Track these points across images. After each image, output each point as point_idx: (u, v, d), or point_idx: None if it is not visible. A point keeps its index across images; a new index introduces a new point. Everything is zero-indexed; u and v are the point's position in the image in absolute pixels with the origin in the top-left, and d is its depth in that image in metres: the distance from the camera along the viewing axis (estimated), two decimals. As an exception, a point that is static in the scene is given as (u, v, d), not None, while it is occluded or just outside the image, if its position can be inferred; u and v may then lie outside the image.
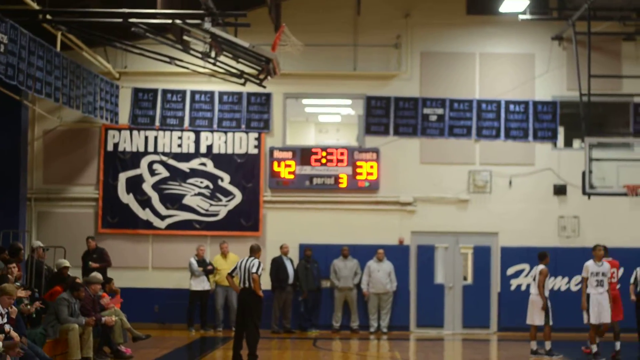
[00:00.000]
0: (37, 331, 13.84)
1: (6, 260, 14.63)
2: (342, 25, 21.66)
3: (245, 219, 21.43)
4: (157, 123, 21.52)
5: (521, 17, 20.91)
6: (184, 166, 21.54)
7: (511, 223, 21.38)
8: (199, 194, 21.47)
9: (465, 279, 21.70)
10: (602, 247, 16.74)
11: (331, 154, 21.46)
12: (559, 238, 21.35)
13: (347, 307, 21.15)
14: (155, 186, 21.49)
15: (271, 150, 21.52)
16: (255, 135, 21.58)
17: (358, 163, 21.42)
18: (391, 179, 21.51)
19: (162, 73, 21.20)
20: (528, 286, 18.11)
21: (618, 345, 16.57)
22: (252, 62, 17.55)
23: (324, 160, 21.42)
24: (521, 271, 21.22)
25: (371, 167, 21.39)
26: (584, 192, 18.94)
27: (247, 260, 15.28)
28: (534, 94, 21.60)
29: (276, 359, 16.98)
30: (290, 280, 20.69)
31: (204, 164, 21.54)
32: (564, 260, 20.80)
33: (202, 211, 21.43)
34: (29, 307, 13.62)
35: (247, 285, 15.16)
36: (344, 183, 21.38)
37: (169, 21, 15.95)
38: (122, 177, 21.50)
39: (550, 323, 16.82)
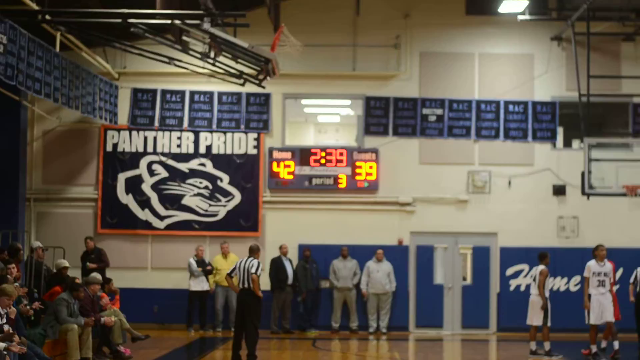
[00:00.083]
0: (37, 331, 13.84)
1: (5, 261, 14.62)
2: (341, 25, 21.66)
3: (245, 219, 21.43)
4: (157, 123, 21.52)
5: (520, 17, 20.92)
6: (183, 166, 21.54)
7: (510, 223, 21.38)
8: (198, 194, 21.47)
9: (464, 279, 21.70)
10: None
11: (330, 154, 21.46)
12: (558, 238, 21.36)
13: (347, 308, 21.15)
14: (154, 186, 21.49)
15: (270, 150, 21.52)
16: (255, 135, 21.58)
17: (357, 163, 21.42)
18: (390, 179, 21.51)
19: (161, 73, 21.20)
20: (527, 286, 18.12)
21: (616, 344, 16.57)
22: (252, 62, 17.56)
23: (323, 161, 21.42)
24: (520, 271, 21.22)
25: (370, 167, 21.39)
26: (583, 193, 18.95)
27: (247, 260, 15.28)
28: (533, 95, 21.60)
29: (275, 359, 16.97)
30: (290, 280, 20.69)
31: (203, 165, 21.54)
32: (563, 260, 20.79)
33: (202, 211, 21.43)
34: (28, 307, 13.62)
35: (246, 285, 15.16)
36: (343, 183, 21.38)
37: (168, 21, 15.94)
38: (122, 177, 21.50)
39: (549, 324, 16.82)
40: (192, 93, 21.55)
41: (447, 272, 21.55)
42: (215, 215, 21.44)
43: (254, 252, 15.43)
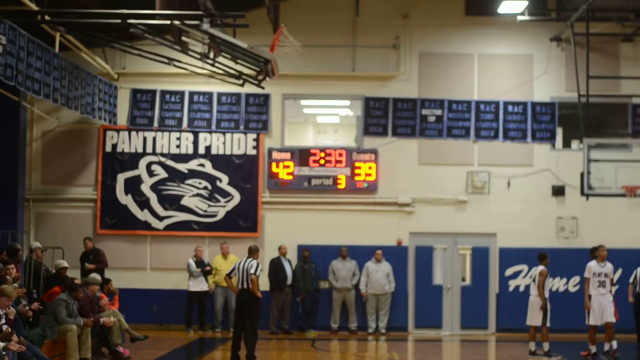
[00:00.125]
0: (36, 332, 13.83)
1: (4, 261, 14.62)
2: (340, 26, 21.66)
3: (244, 219, 21.43)
4: (156, 124, 21.52)
5: (520, 18, 20.92)
6: (183, 167, 21.53)
7: (509, 224, 21.38)
8: (198, 194, 21.47)
9: (463, 280, 21.69)
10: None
11: (330, 154, 21.47)
12: (557, 239, 21.36)
13: (346, 308, 21.15)
14: (153, 187, 21.49)
15: (270, 151, 21.52)
16: (254, 136, 21.58)
17: (356, 164, 21.42)
18: (390, 180, 21.51)
19: (161, 74, 21.20)
20: (526, 287, 18.13)
21: (615, 344, 16.56)
22: (251, 63, 17.56)
23: (322, 161, 21.43)
24: (519, 272, 21.22)
25: (370, 168, 21.39)
26: (582, 193, 18.95)
27: (246, 261, 15.29)
28: (532, 95, 21.61)
29: (274, 359, 16.96)
30: (289, 281, 20.69)
31: (202, 165, 21.54)
32: (562, 261, 20.78)
33: (201, 212, 21.43)
34: (26, 308, 13.61)
35: (245, 286, 15.17)
36: (342, 184, 21.38)
37: (168, 22, 15.94)
38: (121, 178, 21.50)
39: (548, 324, 16.82)
40: (192, 94, 21.55)
41: (446, 273, 21.55)
42: (214, 216, 21.44)
43: (253, 252, 15.43)
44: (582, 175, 18.78)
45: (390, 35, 21.62)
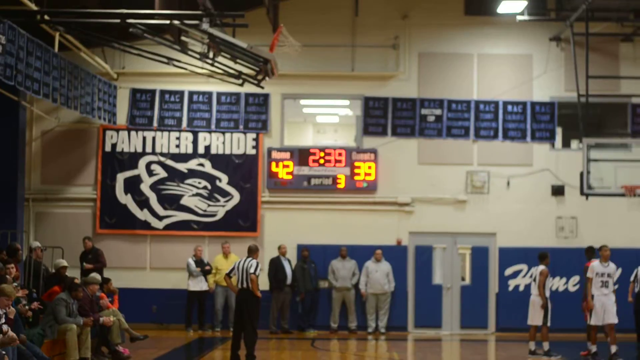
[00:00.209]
0: (35, 331, 13.83)
1: (4, 261, 14.61)
2: (340, 25, 21.66)
3: (243, 219, 21.43)
4: (155, 123, 21.52)
5: (519, 18, 20.92)
6: (182, 167, 21.53)
7: (509, 224, 21.38)
8: (197, 194, 21.47)
9: (463, 279, 21.69)
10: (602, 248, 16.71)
11: (329, 154, 21.47)
12: (556, 239, 21.36)
13: (345, 308, 21.15)
14: (153, 187, 21.49)
15: (269, 150, 21.52)
16: (253, 135, 21.58)
17: (356, 164, 21.42)
18: (389, 179, 21.51)
19: (160, 74, 21.19)
20: (526, 287, 18.13)
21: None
22: (250, 62, 17.56)
23: (322, 161, 21.43)
24: (519, 272, 21.22)
25: (369, 167, 21.40)
26: (582, 193, 18.96)
27: (245, 260, 15.29)
28: (531, 95, 21.61)
29: (274, 359, 16.96)
30: (289, 280, 20.70)
31: (202, 165, 21.54)
32: (562, 260, 20.76)
33: (200, 212, 21.43)
34: (26, 307, 13.61)
35: (245, 285, 15.17)
36: (342, 184, 21.38)
37: (167, 22, 15.95)
38: (120, 177, 21.49)
39: (548, 324, 16.82)
40: (191, 93, 21.55)
41: (446, 272, 21.56)
42: (214, 216, 21.44)
43: (252, 252, 15.43)
44: (581, 175, 18.78)
45: (390, 35, 21.63)
